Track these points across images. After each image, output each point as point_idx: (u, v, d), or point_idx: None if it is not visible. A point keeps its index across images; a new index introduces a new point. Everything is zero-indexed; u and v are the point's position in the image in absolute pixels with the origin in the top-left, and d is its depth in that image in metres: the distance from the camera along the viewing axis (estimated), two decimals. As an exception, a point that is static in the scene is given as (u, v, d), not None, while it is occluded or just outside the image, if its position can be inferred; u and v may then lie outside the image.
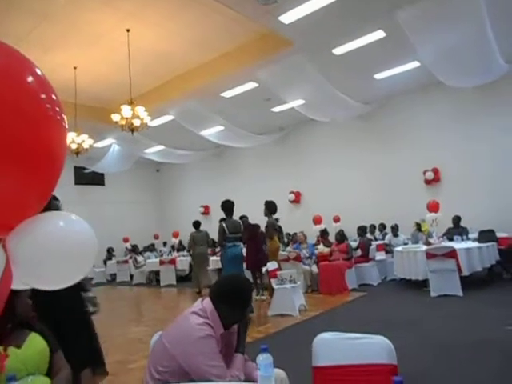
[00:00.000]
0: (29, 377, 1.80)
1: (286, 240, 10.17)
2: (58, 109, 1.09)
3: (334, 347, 1.82)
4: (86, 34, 6.81)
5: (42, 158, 1.03)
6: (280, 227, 10.31)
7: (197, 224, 9.30)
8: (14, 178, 0.98)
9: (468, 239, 7.35)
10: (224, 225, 6.09)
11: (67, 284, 1.10)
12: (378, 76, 8.92)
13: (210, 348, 1.77)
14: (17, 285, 1.04)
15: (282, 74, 7.83)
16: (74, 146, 8.55)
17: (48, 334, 2.00)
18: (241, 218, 7.44)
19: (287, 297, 5.92)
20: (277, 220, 10.57)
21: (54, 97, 1.09)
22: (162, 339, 1.88)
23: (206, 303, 1.93)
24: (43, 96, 1.05)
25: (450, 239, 7.46)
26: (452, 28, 5.97)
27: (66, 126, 1.15)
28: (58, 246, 1.06)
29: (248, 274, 7.66)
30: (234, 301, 1.92)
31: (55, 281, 1.09)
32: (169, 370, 1.78)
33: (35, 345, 1.88)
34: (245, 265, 7.15)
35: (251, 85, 8.74)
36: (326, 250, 8.31)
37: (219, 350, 1.82)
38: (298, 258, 7.83)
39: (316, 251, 8.46)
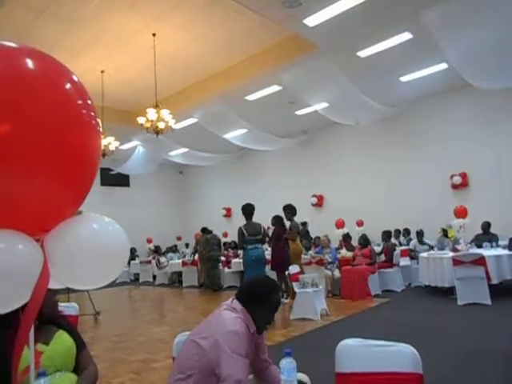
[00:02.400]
0: (56, 373, 1.84)
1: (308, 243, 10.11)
2: (93, 114, 1.13)
3: (358, 354, 1.78)
4: (113, 38, 6.99)
5: (79, 162, 1.06)
6: (307, 231, 10.27)
7: (204, 229, 10.35)
8: (52, 180, 1.02)
9: (498, 246, 7.11)
10: (243, 228, 6.13)
11: (101, 284, 1.13)
12: (404, 78, 8.78)
13: (240, 346, 1.74)
14: (53, 284, 1.07)
15: (306, 76, 7.80)
16: (100, 148, 8.75)
17: (75, 331, 2.05)
18: (274, 217, 7.32)
19: (309, 301, 5.87)
20: (305, 224, 10.55)
21: (89, 102, 1.13)
22: (189, 339, 1.88)
23: (235, 303, 1.93)
24: (80, 102, 1.09)
25: (479, 246, 7.23)
26: (480, 28, 5.82)
27: (101, 131, 1.18)
28: (93, 248, 1.10)
29: (272, 276, 7.67)
30: (265, 302, 1.93)
31: (90, 281, 1.12)
32: (193, 372, 1.75)
33: (62, 342, 1.93)
34: (269, 266, 7.18)
35: (275, 88, 8.75)
36: (349, 254, 8.21)
37: (249, 348, 1.81)
38: (320, 262, 7.76)
39: (338, 255, 8.37)
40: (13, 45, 1.04)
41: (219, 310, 1.93)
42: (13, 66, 0.98)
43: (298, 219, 7.40)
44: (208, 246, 9.71)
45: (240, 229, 6.15)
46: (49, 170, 1.01)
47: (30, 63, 1.02)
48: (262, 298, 1.93)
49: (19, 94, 0.95)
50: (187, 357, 1.82)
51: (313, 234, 10.38)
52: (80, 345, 2.01)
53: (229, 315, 1.85)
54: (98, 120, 1.16)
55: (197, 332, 1.89)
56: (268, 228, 6.80)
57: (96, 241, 1.11)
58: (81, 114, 1.09)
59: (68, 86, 1.07)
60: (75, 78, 1.11)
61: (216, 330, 1.79)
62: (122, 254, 1.19)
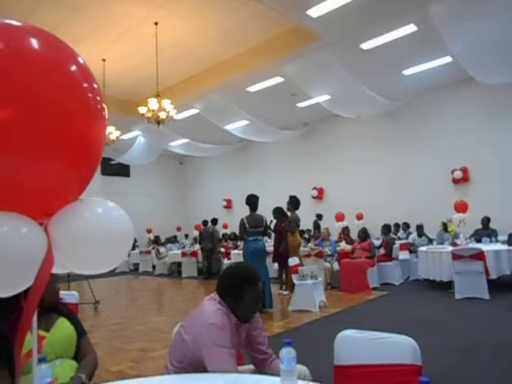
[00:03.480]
0: (57, 360, 1.85)
1: (307, 236, 10.14)
2: (98, 98, 1.12)
3: (357, 345, 1.79)
4: (116, 26, 6.93)
5: (84, 146, 1.06)
6: (319, 225, 10.31)
7: (205, 222, 10.69)
8: (56, 164, 1.01)
9: (497, 241, 7.13)
10: (244, 219, 6.13)
11: (105, 269, 1.13)
12: (407, 72, 8.73)
13: (221, 338, 1.73)
14: (58, 269, 1.07)
15: (309, 68, 7.75)
16: (101, 137, 8.73)
17: (75, 318, 2.05)
18: (275, 209, 7.31)
19: (308, 293, 5.89)
20: (320, 217, 10.62)
21: (95, 86, 1.12)
22: (179, 330, 1.89)
23: (216, 295, 1.92)
24: (86, 85, 1.07)
25: (478, 241, 7.25)
26: (485, 21, 5.76)
27: (106, 116, 1.17)
28: (97, 232, 1.09)
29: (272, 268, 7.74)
30: (238, 294, 1.85)
31: (94, 265, 1.12)
32: (183, 365, 1.77)
33: (63, 329, 1.94)
34: (271, 257, 7.24)
35: (277, 79, 8.70)
36: (348, 247, 8.24)
37: (232, 340, 1.79)
38: (319, 255, 7.78)
39: (338, 248, 8.39)
40: (16, 23, 1.03)
41: (203, 301, 1.93)
42: (17, 44, 0.96)
43: (299, 212, 7.36)
44: (202, 239, 10.35)
45: (242, 220, 6.15)
46: (53, 153, 1.00)
47: (34, 42, 1.00)
48: (234, 290, 1.85)
49: (23, 74, 0.94)
50: (178, 347, 1.84)
51: (312, 227, 10.40)
52: (80, 332, 2.02)
53: (209, 307, 1.83)
54: (104, 105, 1.15)
55: (184, 323, 1.89)
56: (271, 221, 6.80)
57: (100, 225, 1.11)
58: (87, 97, 1.08)
59: (74, 67, 1.05)
60: (81, 60, 1.09)
61: (197, 323, 1.79)
62: (126, 239, 1.19)
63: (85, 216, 1.09)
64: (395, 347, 1.71)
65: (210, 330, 1.73)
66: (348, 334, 1.83)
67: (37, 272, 0.97)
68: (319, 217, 10.84)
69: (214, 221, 10.71)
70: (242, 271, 1.96)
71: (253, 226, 6.09)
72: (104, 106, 1.15)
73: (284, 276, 7.25)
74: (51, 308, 1.98)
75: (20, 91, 0.94)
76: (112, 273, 11.96)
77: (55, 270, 1.05)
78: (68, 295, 2.78)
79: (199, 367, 1.72)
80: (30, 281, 0.99)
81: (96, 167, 1.16)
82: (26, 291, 1.03)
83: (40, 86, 0.96)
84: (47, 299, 1.93)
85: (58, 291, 2.04)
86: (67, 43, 1.11)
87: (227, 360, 1.70)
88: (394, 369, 1.66)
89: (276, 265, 7.57)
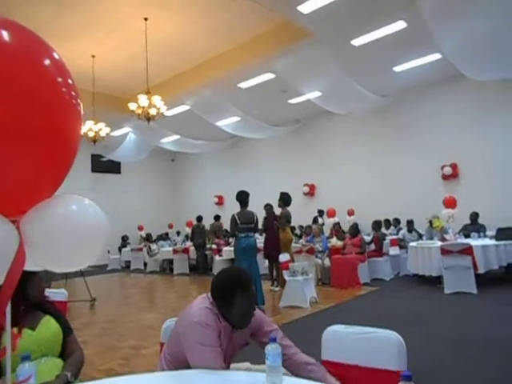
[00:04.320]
0: (42, 358, 1.85)
1: (298, 232, 10.18)
2: (73, 93, 1.10)
3: (344, 340, 1.80)
4: (105, 22, 6.86)
5: (56, 142, 1.04)
6: (317, 220, 10.38)
7: (199, 218, 10.98)
8: (28, 160, 0.99)
9: (485, 236, 7.21)
10: (236, 216, 6.12)
11: (79, 267, 1.12)
12: (397, 68, 8.77)
13: (203, 336, 1.68)
14: (30, 266, 1.05)
15: (300, 65, 7.75)
16: (91, 134, 8.66)
17: (61, 317, 2.04)
18: (265, 206, 7.58)
19: (299, 289, 5.91)
20: (321, 212, 10.70)
21: (70, 81, 1.10)
22: (175, 322, 1.89)
23: (209, 295, 1.86)
24: (60, 80, 1.05)
25: (467, 236, 7.33)
26: (476, 18, 5.79)
27: (81, 111, 1.15)
28: (71, 229, 1.08)
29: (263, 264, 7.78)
30: (229, 302, 1.77)
31: (67, 263, 1.10)
32: (173, 359, 1.76)
33: (49, 327, 1.93)
34: (262, 254, 7.27)
35: (268, 76, 8.68)
36: (339, 243, 8.27)
37: (219, 341, 1.73)
38: (310, 251, 7.81)
39: (329, 244, 8.43)
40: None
41: (196, 298, 1.90)
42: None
43: (290, 209, 7.39)
44: (193, 235, 10.78)
45: (233, 216, 6.14)
46: (26, 149, 0.98)
47: (6, 36, 0.98)
48: (226, 296, 1.77)
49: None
50: (171, 340, 1.84)
51: (304, 223, 10.43)
52: (67, 330, 2.01)
53: (198, 305, 1.79)
54: (79, 101, 1.13)
55: (177, 318, 1.89)
56: (265, 218, 6.84)
57: (74, 222, 1.09)
58: (61, 92, 1.06)
59: (48, 62, 1.03)
60: (56, 55, 1.07)
61: (184, 320, 1.78)
62: (100, 236, 1.17)
63: (58, 213, 1.07)
64: (381, 342, 1.73)
65: (194, 328, 1.70)
66: (336, 329, 1.85)
67: (7, 269, 0.96)
68: (320, 213, 10.89)
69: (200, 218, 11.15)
70: (235, 278, 1.84)
71: (244, 223, 6.08)
72: (79, 101, 1.13)
73: (275, 272, 7.29)
74: (37, 306, 1.97)
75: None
76: (103, 270, 11.91)
77: (27, 268, 1.04)
78: (57, 293, 2.75)
79: (188, 363, 1.71)
80: (0, 278, 0.97)
81: (71, 164, 1.14)
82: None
83: (10, 78, 0.94)
84: (32, 297, 1.92)
85: (43, 289, 2.03)
86: (55, 41, 1.09)
87: (211, 357, 1.65)
88: (379, 373, 1.67)
89: (266, 261, 7.61)
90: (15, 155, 0.97)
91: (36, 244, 1.03)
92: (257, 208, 6.62)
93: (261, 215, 6.77)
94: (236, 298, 1.76)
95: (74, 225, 1.08)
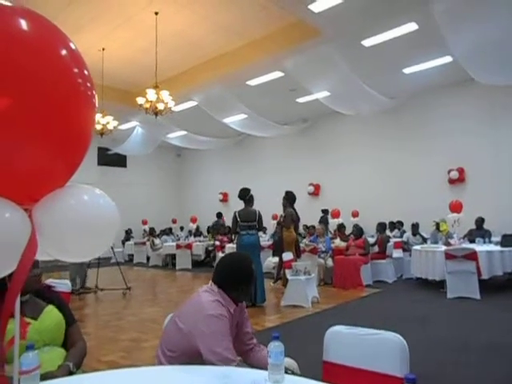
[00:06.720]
0: (45, 347, 1.84)
1: (303, 231, 10.16)
2: (89, 84, 1.10)
3: (346, 341, 1.79)
4: (115, 15, 6.86)
5: (71, 131, 1.04)
6: (326, 219, 10.34)
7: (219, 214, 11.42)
8: (43, 149, 0.99)
9: (490, 242, 7.16)
10: (236, 213, 6.14)
11: (89, 257, 1.12)
12: (407, 70, 8.70)
13: (220, 327, 1.75)
14: (41, 255, 1.06)
15: (309, 64, 7.72)
16: (98, 127, 8.69)
17: (65, 306, 2.04)
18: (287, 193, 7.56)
19: (301, 288, 5.91)
20: (326, 211, 10.67)
21: (85, 72, 1.10)
22: (173, 319, 1.89)
23: (213, 286, 1.94)
24: (76, 70, 1.05)
25: (472, 241, 7.28)
26: (488, 23, 5.74)
27: (96, 102, 1.15)
28: (82, 219, 1.08)
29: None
30: (237, 280, 1.92)
31: (78, 253, 1.11)
32: (176, 354, 1.77)
33: (51, 317, 1.92)
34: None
35: (277, 74, 8.66)
36: (343, 244, 8.26)
37: (230, 330, 1.81)
38: (314, 251, 7.80)
39: (332, 245, 8.42)
40: (8, 4, 1.00)
41: (198, 292, 1.93)
42: (6, 26, 0.94)
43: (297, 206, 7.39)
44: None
45: (234, 213, 6.17)
46: (40, 137, 0.99)
47: (25, 24, 0.98)
48: (234, 278, 1.92)
49: (10, 55, 0.92)
50: (171, 335, 1.84)
51: (308, 223, 10.40)
52: (70, 320, 2.01)
53: (207, 298, 1.84)
54: (94, 92, 1.13)
55: (179, 313, 1.90)
56: (281, 216, 6.91)
57: (86, 212, 1.09)
58: (76, 82, 1.06)
59: (65, 51, 1.03)
60: (73, 45, 1.07)
61: (194, 314, 1.80)
62: (111, 227, 1.17)
63: (70, 203, 1.08)
64: (384, 344, 1.71)
65: (208, 320, 1.74)
66: (338, 330, 1.83)
67: (19, 258, 0.96)
68: (325, 212, 10.83)
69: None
70: (237, 257, 2.09)
71: (244, 220, 6.08)
72: (94, 92, 1.13)
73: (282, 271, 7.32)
74: (40, 295, 1.97)
75: (6, 73, 0.91)
76: (106, 263, 11.95)
77: (38, 257, 1.04)
78: (60, 284, 2.75)
79: (194, 357, 1.72)
80: (12, 266, 0.98)
81: (84, 154, 1.15)
82: (10, 276, 1.02)
83: (28, 67, 0.94)
84: (27, 286, 1.91)
85: (38, 278, 2.00)
86: (65, 32, 1.08)
87: (230, 346, 1.72)
88: (381, 376, 1.66)
89: (276, 258, 7.64)
90: (31, 144, 0.97)
91: (48, 233, 1.03)
92: (262, 206, 6.62)
93: (265, 213, 6.77)
94: (243, 276, 1.95)
95: (85, 215, 1.09)
